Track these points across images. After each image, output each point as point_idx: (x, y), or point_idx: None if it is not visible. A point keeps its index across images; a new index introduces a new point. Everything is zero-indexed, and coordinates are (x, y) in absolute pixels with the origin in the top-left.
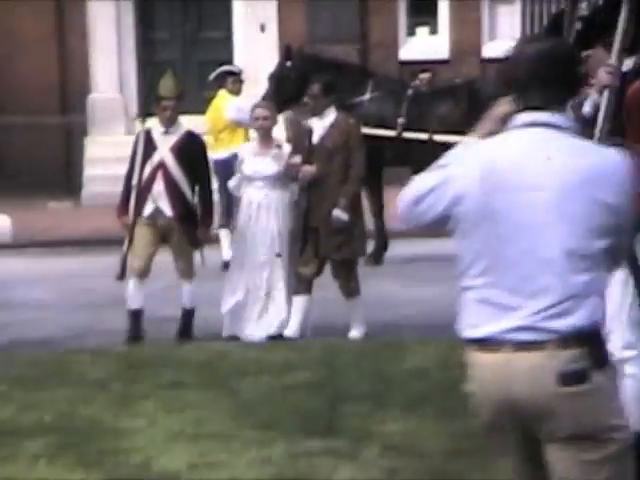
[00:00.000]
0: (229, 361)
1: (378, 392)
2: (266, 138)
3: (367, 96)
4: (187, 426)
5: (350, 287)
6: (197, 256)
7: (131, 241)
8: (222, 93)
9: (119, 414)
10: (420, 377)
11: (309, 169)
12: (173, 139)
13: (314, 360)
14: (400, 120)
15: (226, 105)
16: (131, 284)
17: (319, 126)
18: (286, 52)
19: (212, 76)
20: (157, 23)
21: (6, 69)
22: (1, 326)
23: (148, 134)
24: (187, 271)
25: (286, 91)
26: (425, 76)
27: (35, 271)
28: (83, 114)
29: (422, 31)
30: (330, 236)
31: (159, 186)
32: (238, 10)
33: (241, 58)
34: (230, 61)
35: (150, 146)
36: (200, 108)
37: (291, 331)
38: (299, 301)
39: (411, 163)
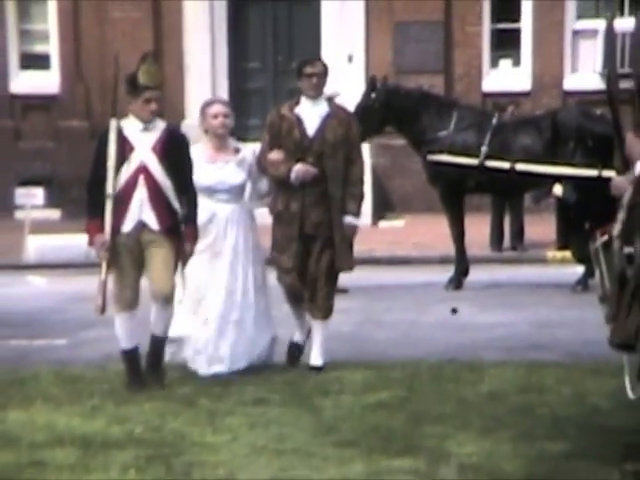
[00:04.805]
0: (311, 380)
1: (456, 413)
2: (224, 141)
3: (452, 126)
4: (270, 442)
5: (330, 305)
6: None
7: (109, 264)
8: None
9: (205, 429)
10: (498, 400)
11: (311, 169)
12: (153, 137)
13: (394, 381)
14: (483, 149)
15: None
16: (121, 319)
17: (312, 116)
18: (371, 84)
19: None
20: (250, 53)
21: (102, 98)
22: (94, 342)
23: (119, 132)
24: (169, 292)
25: (371, 121)
26: (512, 108)
27: None
28: None
29: (505, 63)
30: (341, 244)
31: (141, 194)
32: (327, 41)
33: (329, 87)
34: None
35: (125, 147)
36: None
37: (300, 339)
38: (297, 309)
39: (493, 191)
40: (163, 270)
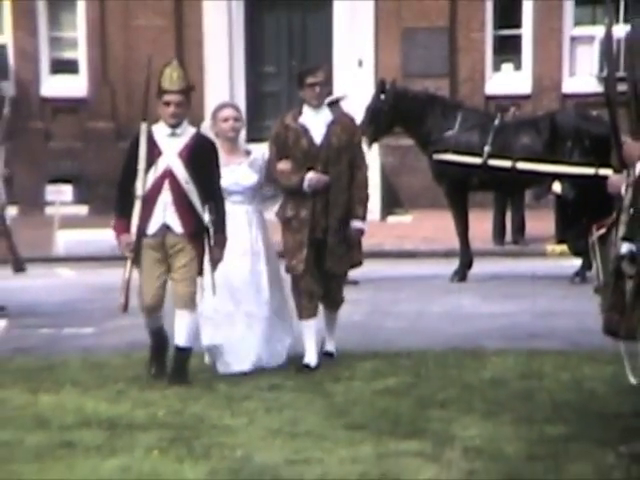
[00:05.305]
0: (323, 367)
1: (460, 398)
2: (235, 144)
3: (456, 127)
4: (284, 425)
5: (340, 298)
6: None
7: (134, 263)
8: None
9: (224, 412)
10: (499, 385)
11: (323, 177)
12: (181, 142)
13: (401, 367)
14: (486, 149)
15: None
16: (145, 318)
17: (316, 124)
18: (380, 86)
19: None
20: (265, 59)
21: (127, 101)
22: (119, 330)
23: (150, 136)
24: (191, 299)
25: (379, 122)
26: (513, 110)
27: None
28: None
29: (507, 67)
30: (336, 248)
31: (166, 198)
32: (338, 47)
33: (340, 90)
34: (330, 93)
35: (153, 150)
36: None
37: (312, 361)
38: (308, 327)
39: (495, 188)
40: (185, 275)
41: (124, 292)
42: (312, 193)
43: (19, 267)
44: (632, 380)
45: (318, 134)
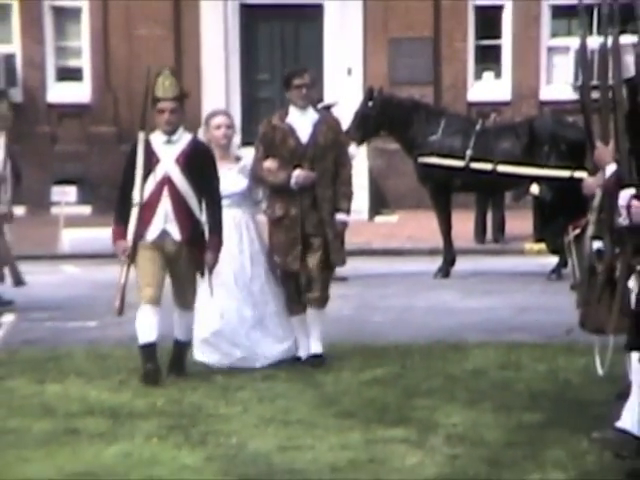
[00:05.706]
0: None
1: (443, 388)
2: (226, 151)
3: (440, 132)
4: (277, 413)
5: (326, 295)
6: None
7: (130, 268)
8: None
9: (219, 402)
10: (480, 376)
11: (310, 174)
12: (178, 149)
13: (388, 360)
14: (468, 152)
15: None
16: (143, 314)
17: (303, 124)
18: (368, 93)
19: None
20: (260, 67)
21: (129, 107)
22: (121, 324)
23: (147, 144)
24: (190, 301)
25: (367, 127)
26: (494, 116)
27: None
28: None
29: (488, 75)
30: (334, 240)
31: (166, 205)
32: (329, 56)
33: (330, 97)
34: (321, 99)
35: (151, 158)
36: None
37: (303, 354)
38: (299, 321)
39: (477, 190)
40: (184, 283)
41: (119, 296)
42: (299, 190)
43: (19, 281)
44: (599, 371)
45: (305, 133)
